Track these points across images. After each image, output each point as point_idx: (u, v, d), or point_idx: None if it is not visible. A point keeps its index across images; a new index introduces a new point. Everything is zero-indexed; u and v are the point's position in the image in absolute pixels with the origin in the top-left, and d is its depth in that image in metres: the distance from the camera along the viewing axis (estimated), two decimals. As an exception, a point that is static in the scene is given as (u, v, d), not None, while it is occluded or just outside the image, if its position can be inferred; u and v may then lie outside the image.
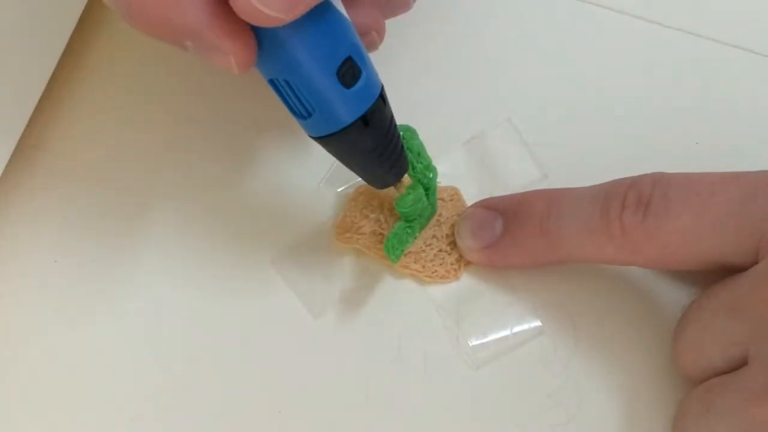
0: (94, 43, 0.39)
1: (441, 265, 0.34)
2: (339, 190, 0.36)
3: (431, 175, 0.33)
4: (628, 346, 0.33)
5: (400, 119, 0.32)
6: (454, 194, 0.36)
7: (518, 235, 0.33)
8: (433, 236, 0.35)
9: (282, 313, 0.34)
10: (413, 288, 0.34)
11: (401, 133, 0.32)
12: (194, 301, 0.35)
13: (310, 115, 0.27)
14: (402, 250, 0.33)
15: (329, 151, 0.29)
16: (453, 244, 0.35)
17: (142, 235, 0.36)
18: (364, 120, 0.28)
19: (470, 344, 0.33)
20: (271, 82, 0.27)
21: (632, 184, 0.30)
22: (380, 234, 0.34)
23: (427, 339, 0.34)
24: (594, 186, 0.32)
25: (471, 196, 0.36)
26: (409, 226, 0.33)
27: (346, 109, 0.27)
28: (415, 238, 0.34)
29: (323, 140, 0.28)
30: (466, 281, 0.35)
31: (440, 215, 0.35)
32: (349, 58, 0.27)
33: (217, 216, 0.36)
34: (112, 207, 0.36)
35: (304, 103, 0.27)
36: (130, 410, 0.33)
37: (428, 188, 0.33)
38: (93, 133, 0.37)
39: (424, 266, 0.34)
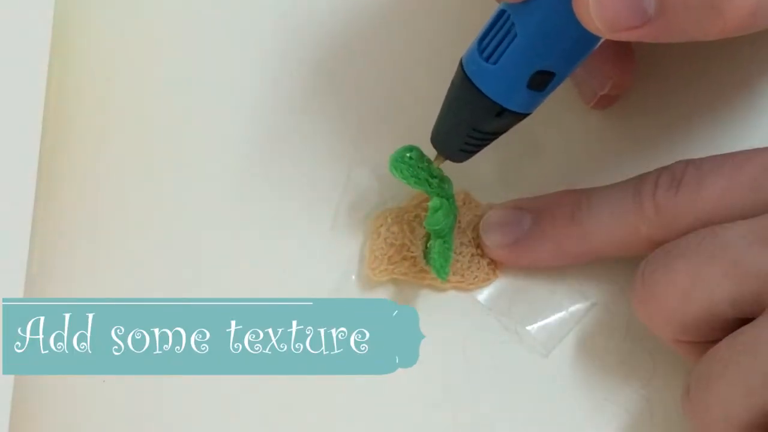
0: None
1: (479, 269, 0.35)
2: (352, 225, 0.36)
3: (447, 186, 0.33)
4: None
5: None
6: (466, 197, 0.36)
7: (548, 227, 0.33)
8: (461, 243, 0.35)
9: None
10: (460, 299, 0.34)
11: (407, 154, 0.32)
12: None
13: (487, 60, 0.29)
14: (449, 266, 0.33)
15: (462, 99, 0.31)
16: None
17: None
18: (507, 112, 0.30)
19: (532, 334, 0.34)
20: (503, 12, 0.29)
21: (664, 168, 0.31)
22: (411, 257, 0.34)
23: (490, 343, 0.34)
24: (624, 180, 0.32)
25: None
26: (446, 241, 0.33)
27: (513, 96, 0.30)
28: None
29: (469, 86, 0.30)
30: (506, 278, 0.35)
31: (460, 222, 0.35)
32: (549, 73, 0.29)
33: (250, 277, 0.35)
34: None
35: (497, 51, 0.29)
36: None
37: (449, 198, 0.33)
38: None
39: (463, 275, 0.34)
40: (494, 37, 0.29)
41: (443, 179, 0.33)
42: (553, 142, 0.36)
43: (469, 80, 0.30)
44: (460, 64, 0.30)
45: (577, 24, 0.27)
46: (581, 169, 0.36)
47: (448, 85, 0.31)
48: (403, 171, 0.32)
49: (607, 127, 0.37)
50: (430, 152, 0.33)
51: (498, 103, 0.30)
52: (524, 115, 0.30)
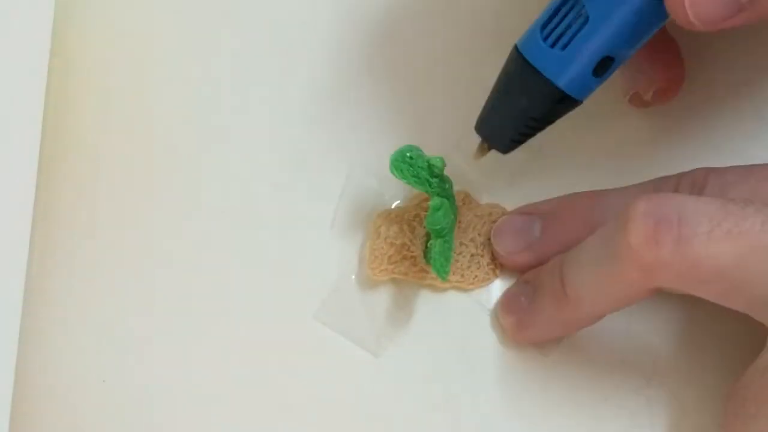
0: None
1: (478, 269, 0.35)
2: (352, 225, 0.36)
3: (447, 186, 0.33)
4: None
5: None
6: (465, 197, 0.36)
7: (559, 233, 0.33)
8: (461, 243, 0.35)
9: (348, 364, 0.34)
10: (460, 299, 0.35)
11: (408, 154, 0.32)
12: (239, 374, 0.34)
13: (553, 46, 0.29)
14: (449, 266, 0.33)
15: (522, 86, 0.30)
16: (482, 246, 0.35)
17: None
18: (567, 99, 0.29)
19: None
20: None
21: (684, 173, 0.31)
22: (412, 257, 0.34)
23: (490, 343, 0.34)
24: (641, 183, 0.32)
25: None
26: (446, 241, 0.33)
27: (579, 82, 0.29)
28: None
29: (532, 73, 0.29)
30: (506, 278, 0.35)
31: (460, 222, 0.35)
32: (612, 59, 0.29)
33: (251, 276, 0.35)
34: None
35: (564, 36, 0.28)
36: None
37: (449, 198, 0.33)
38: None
39: (462, 275, 0.34)
40: (561, 22, 0.29)
41: (443, 179, 0.33)
42: (552, 142, 0.36)
43: (532, 67, 0.29)
44: (516, 51, 0.30)
45: (649, 7, 0.26)
46: (581, 169, 0.36)
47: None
48: (404, 171, 0.32)
49: (605, 128, 0.36)
50: (430, 152, 0.33)
51: (562, 90, 0.29)
52: (579, 103, 0.30)
